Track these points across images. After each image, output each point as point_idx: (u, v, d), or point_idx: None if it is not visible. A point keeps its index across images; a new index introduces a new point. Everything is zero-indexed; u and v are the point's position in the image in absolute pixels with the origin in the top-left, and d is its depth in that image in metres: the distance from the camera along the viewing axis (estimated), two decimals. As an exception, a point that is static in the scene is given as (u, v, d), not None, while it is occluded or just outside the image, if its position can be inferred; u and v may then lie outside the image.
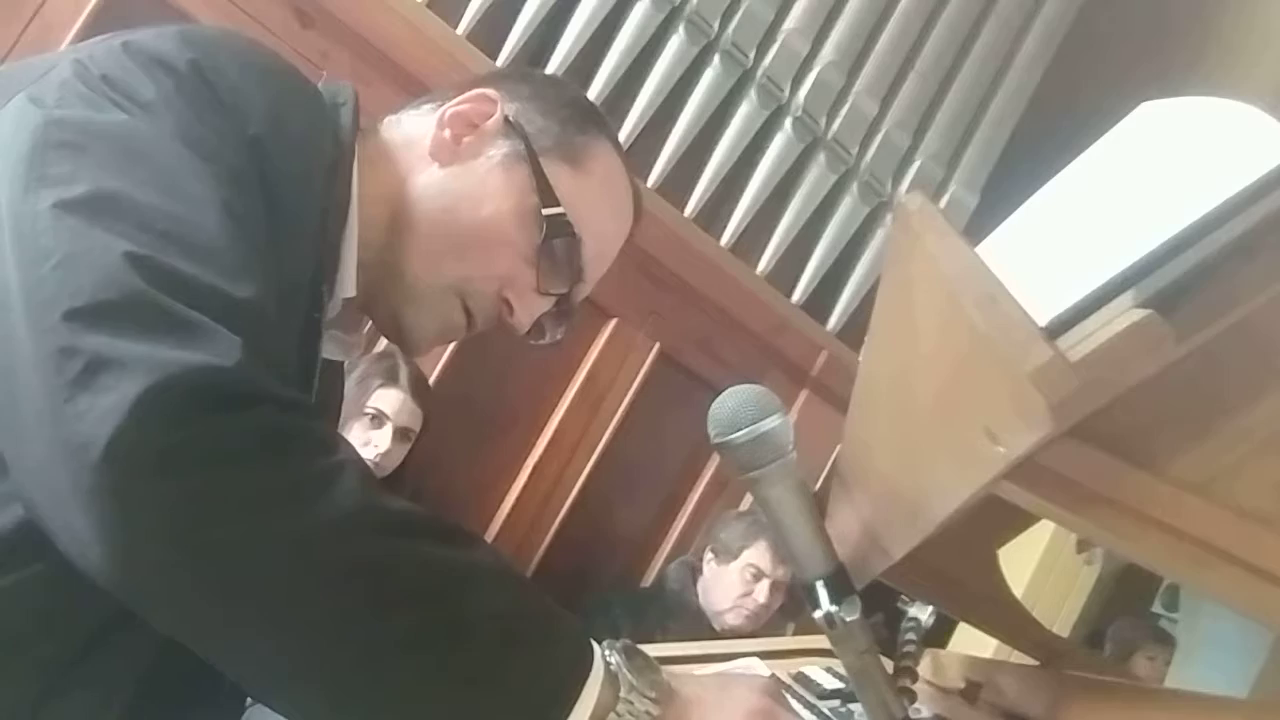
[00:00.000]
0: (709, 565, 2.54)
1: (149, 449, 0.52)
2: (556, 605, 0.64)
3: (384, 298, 0.83)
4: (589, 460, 2.68)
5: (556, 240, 0.82)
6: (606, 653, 0.64)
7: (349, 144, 0.78)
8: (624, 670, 0.63)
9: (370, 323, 0.88)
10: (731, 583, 2.47)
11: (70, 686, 0.63)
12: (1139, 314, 0.52)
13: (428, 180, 0.82)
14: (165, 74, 0.66)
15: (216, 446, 0.54)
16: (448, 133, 0.83)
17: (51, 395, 0.53)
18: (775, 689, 0.71)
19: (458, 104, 0.85)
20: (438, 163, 0.83)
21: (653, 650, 0.68)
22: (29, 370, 0.55)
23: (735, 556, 2.48)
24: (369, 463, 2.10)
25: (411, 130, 0.85)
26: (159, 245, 0.58)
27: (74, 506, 0.53)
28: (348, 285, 0.79)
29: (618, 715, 0.61)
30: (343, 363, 0.93)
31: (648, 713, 0.62)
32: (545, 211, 0.82)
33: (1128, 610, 3.39)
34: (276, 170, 0.68)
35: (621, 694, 0.62)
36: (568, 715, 0.60)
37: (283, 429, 0.57)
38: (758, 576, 2.46)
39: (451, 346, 2.43)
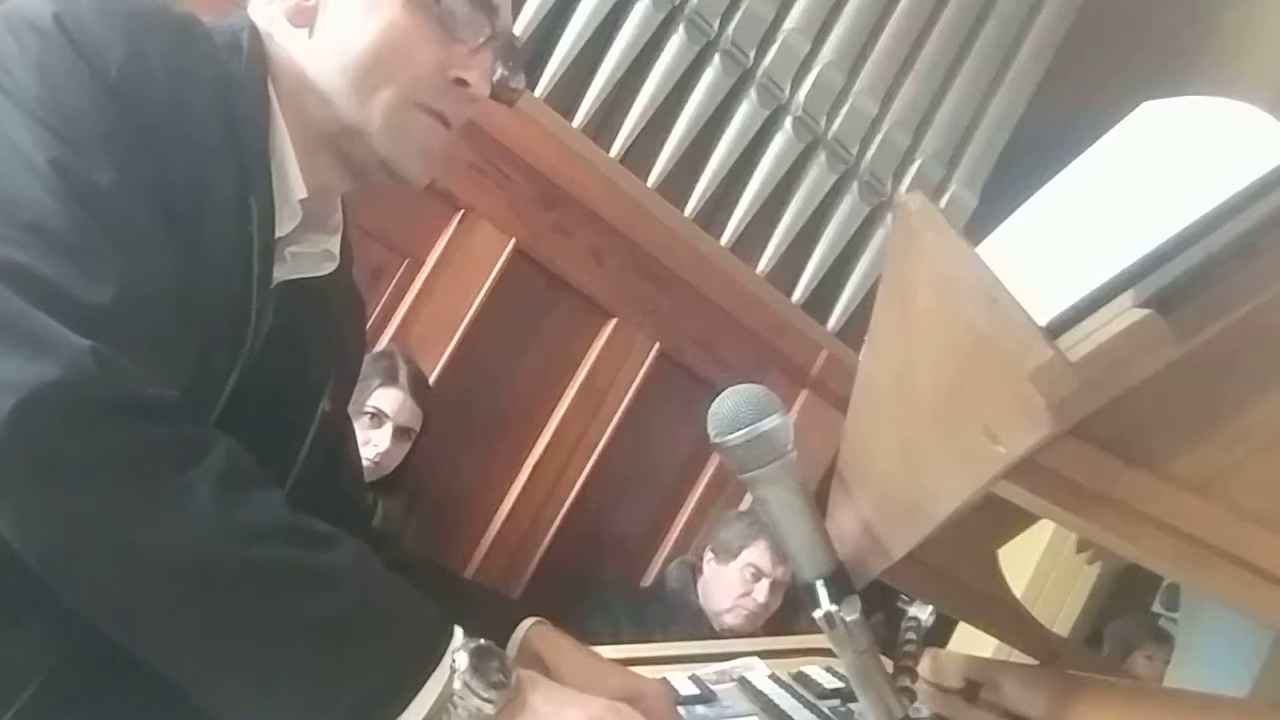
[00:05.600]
0: (709, 565, 2.54)
1: (25, 464, 0.58)
2: (420, 598, 0.68)
3: (360, 157, 0.83)
4: (589, 460, 2.68)
5: None
6: (456, 648, 0.66)
7: (250, 51, 0.80)
8: (466, 668, 0.65)
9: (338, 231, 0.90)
10: (731, 583, 2.47)
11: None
12: (1139, 314, 0.52)
13: (307, 47, 0.82)
14: (32, 36, 0.68)
15: (77, 467, 0.59)
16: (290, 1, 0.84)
17: None
18: (626, 710, 0.72)
19: None
20: (306, 28, 0.83)
21: (652, 650, 0.69)
22: None
23: (735, 556, 2.48)
24: (369, 462, 2.10)
25: (264, 23, 0.85)
26: (19, 244, 0.61)
27: None
28: (297, 188, 0.80)
29: (452, 707, 0.64)
30: (340, 284, 0.92)
31: (479, 710, 0.64)
32: None
33: (1128, 610, 3.39)
34: (148, 106, 0.70)
35: (455, 687, 0.64)
36: (409, 701, 0.63)
37: (139, 445, 0.61)
38: (757, 576, 2.46)
39: (452, 346, 2.44)
